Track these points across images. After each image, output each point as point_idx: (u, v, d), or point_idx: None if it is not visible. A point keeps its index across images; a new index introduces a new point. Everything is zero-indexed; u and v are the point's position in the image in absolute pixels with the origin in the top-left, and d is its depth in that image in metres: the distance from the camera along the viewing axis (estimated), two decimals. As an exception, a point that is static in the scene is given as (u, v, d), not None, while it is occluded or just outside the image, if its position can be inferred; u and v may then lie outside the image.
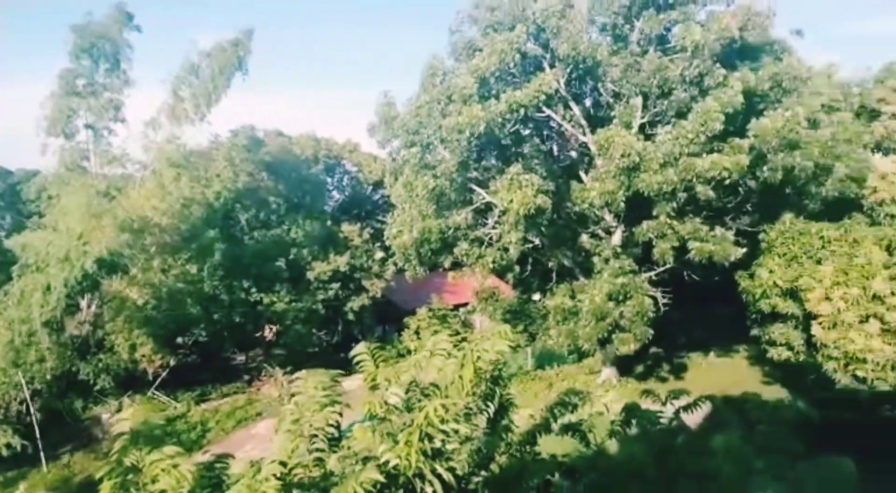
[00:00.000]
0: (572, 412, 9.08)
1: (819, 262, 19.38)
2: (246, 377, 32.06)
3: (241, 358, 34.99)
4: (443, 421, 5.26)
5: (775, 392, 24.08)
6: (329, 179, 44.84)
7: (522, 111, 20.90)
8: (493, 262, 23.82)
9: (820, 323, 18.38)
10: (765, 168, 19.44)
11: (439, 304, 33.87)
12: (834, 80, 21.44)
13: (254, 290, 31.02)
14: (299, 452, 5.15)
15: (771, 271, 20.33)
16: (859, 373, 17.60)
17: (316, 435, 5.45)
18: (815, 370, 20.01)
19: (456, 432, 5.35)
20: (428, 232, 23.41)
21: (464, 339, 6.71)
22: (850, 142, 20.24)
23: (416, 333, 29.94)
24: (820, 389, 21.72)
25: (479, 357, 6.07)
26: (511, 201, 20.17)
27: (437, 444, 5.45)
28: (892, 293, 17.20)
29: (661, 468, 7.81)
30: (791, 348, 20.69)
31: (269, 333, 34.38)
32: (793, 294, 19.65)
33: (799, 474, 7.01)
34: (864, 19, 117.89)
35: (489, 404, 6.83)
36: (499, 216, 22.04)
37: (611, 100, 23.09)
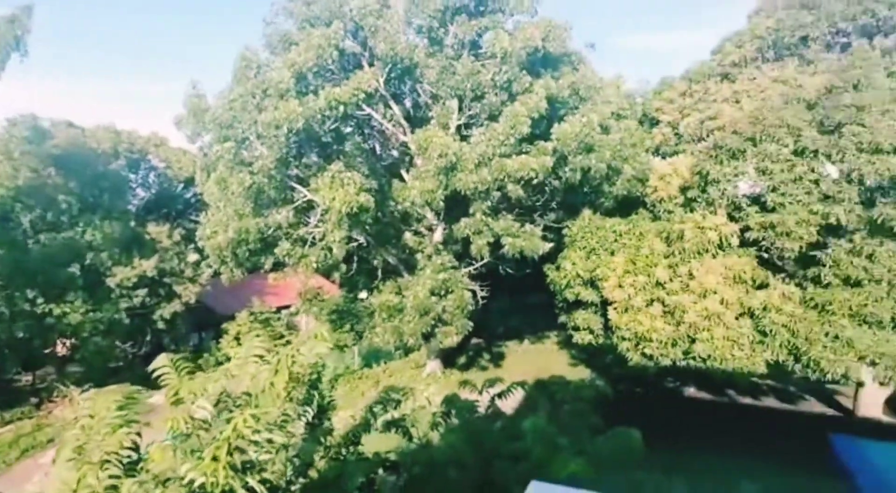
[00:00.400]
0: (396, 408, 9.21)
1: (613, 253, 21.59)
2: (34, 400, 28.23)
3: (27, 378, 30.73)
4: (255, 432, 5.01)
5: (580, 373, 26.57)
6: (132, 176, 40.77)
7: (342, 109, 20.67)
8: (317, 261, 23.32)
9: (615, 308, 20.50)
10: (566, 169, 21.23)
11: (261, 307, 32.51)
12: (621, 90, 24.11)
13: (41, 300, 27.31)
14: (86, 482, 4.60)
15: (574, 263, 22.23)
16: (647, 351, 19.91)
17: (108, 461, 4.91)
18: (612, 351, 22.35)
19: (269, 441, 5.13)
20: (245, 232, 22.29)
21: (288, 342, 6.49)
22: (635, 146, 22.84)
23: (237, 339, 28.46)
24: (616, 367, 24.37)
25: (294, 362, 5.88)
26: (333, 199, 19.89)
27: (250, 456, 5.19)
28: (671, 280, 19.69)
29: (478, 453, 8.22)
30: (592, 332, 22.85)
31: (61, 348, 30.53)
32: (592, 283, 21.68)
33: (596, 447, 7.76)
34: (646, 33, 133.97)
35: (308, 408, 6.66)
36: (321, 215, 21.63)
37: (429, 101, 23.73)
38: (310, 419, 6.55)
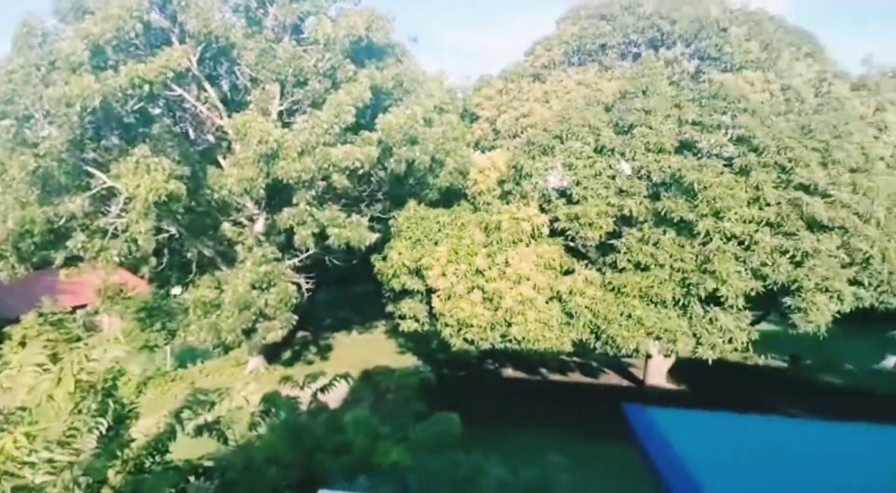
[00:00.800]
0: (209, 410, 8.65)
1: (437, 243, 22.19)
2: None
3: None
4: (30, 452, 4.37)
5: (408, 361, 27.11)
6: None
7: (148, 88, 18.91)
8: (121, 255, 21.16)
9: (438, 296, 21.13)
10: (391, 160, 21.37)
11: (53, 307, 28.76)
12: (444, 85, 24.84)
13: None
14: None
15: (400, 253, 22.52)
16: (468, 336, 20.80)
17: None
18: (436, 337, 23.07)
19: (50, 461, 4.52)
20: (30, 222, 19.54)
21: (84, 345, 5.75)
22: (457, 140, 23.62)
23: (22, 344, 24.92)
24: (441, 352, 25.22)
25: (81, 369, 5.24)
26: (138, 187, 18.15)
27: (26, 479, 4.53)
28: (489, 268, 20.72)
29: (299, 449, 8.00)
30: (417, 320, 23.35)
31: None
32: (418, 272, 22.13)
33: (418, 433, 7.92)
34: (466, 31, 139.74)
35: (102, 420, 5.97)
36: (124, 204, 19.64)
37: (248, 84, 22.55)
38: (104, 431, 5.88)
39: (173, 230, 22.45)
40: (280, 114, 22.45)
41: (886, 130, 22.79)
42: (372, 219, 23.62)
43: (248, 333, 22.13)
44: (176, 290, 26.48)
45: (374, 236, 22.37)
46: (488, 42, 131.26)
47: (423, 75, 23.80)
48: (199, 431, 7.76)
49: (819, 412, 20.25)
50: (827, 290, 18.88)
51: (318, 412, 9.69)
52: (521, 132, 23.34)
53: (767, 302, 21.67)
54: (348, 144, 20.39)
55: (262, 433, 8.57)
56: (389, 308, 25.06)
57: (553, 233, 21.24)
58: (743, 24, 21.84)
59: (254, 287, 21.11)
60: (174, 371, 26.81)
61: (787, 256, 18.75)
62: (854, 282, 19.61)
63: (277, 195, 22.08)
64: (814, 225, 18.77)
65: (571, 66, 24.52)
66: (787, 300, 19.58)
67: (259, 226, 23.68)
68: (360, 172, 20.93)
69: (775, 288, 19.35)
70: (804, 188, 18.72)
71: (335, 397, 10.50)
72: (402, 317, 23.81)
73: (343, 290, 31.32)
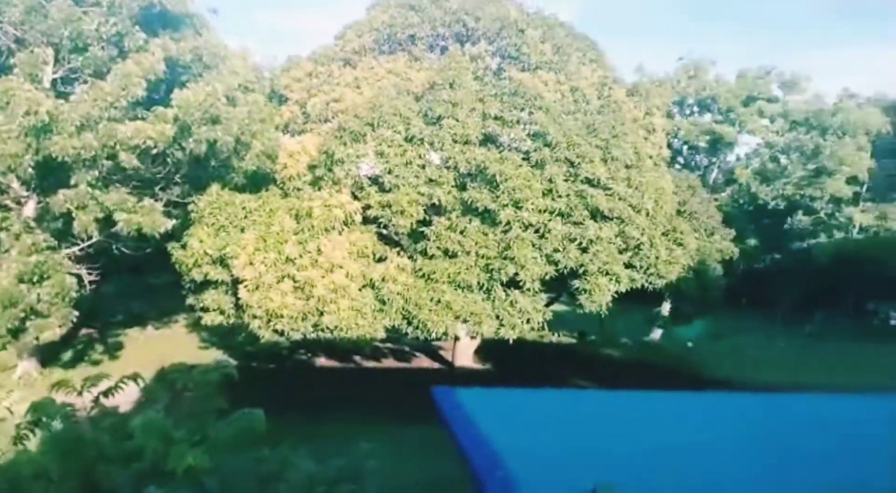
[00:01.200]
0: (-40, 426, 7.34)
1: (243, 230, 21.11)
2: None
3: None
4: None
5: (211, 356, 25.47)
6: None
7: None
8: None
9: (245, 286, 20.13)
10: (190, 140, 19.63)
11: None
12: (249, 63, 23.44)
13: None
14: None
15: (202, 241, 21.04)
16: (279, 327, 20.14)
17: None
18: (244, 329, 21.99)
19: None
20: None
21: None
22: (264, 121, 22.47)
23: None
24: (249, 345, 24.10)
25: None
26: None
27: None
28: (300, 256, 20.18)
29: (76, 461, 7.10)
30: (223, 312, 22.06)
31: None
32: (222, 261, 20.87)
33: (217, 432, 7.42)
34: (276, 12, 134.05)
35: None
36: None
37: (12, 45, 19.36)
38: None
39: (-89, 215, 18.66)
40: (54, 82, 19.64)
41: (654, 132, 26.15)
42: (168, 204, 21.68)
43: (17, 333, 19.21)
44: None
45: (171, 223, 20.56)
46: (297, 23, 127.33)
47: (226, 51, 22.24)
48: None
49: (603, 382, 22.80)
50: (607, 273, 21.26)
51: (101, 417, 8.67)
52: (332, 117, 22.94)
53: (559, 285, 23.82)
54: (139, 121, 18.44)
55: (30, 447, 7.45)
56: (190, 300, 23.34)
57: (366, 220, 21.27)
58: (538, 28, 23.55)
59: (22, 280, 18.34)
60: (-86, 384, 22.38)
61: (576, 243, 20.76)
62: (628, 265, 22.29)
63: (52, 175, 19.32)
64: (597, 215, 20.96)
65: (382, 54, 24.59)
66: (576, 283, 21.73)
67: (29, 210, 20.57)
68: (154, 151, 19.03)
69: (565, 272, 21.35)
70: (589, 182, 20.79)
71: (126, 401, 9.50)
72: (205, 309, 22.32)
73: (136, 281, 28.34)
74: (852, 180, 48.25)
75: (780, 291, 47.92)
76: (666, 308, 33.78)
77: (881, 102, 51.26)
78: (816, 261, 47.59)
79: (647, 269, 22.57)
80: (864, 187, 50.12)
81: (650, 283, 23.00)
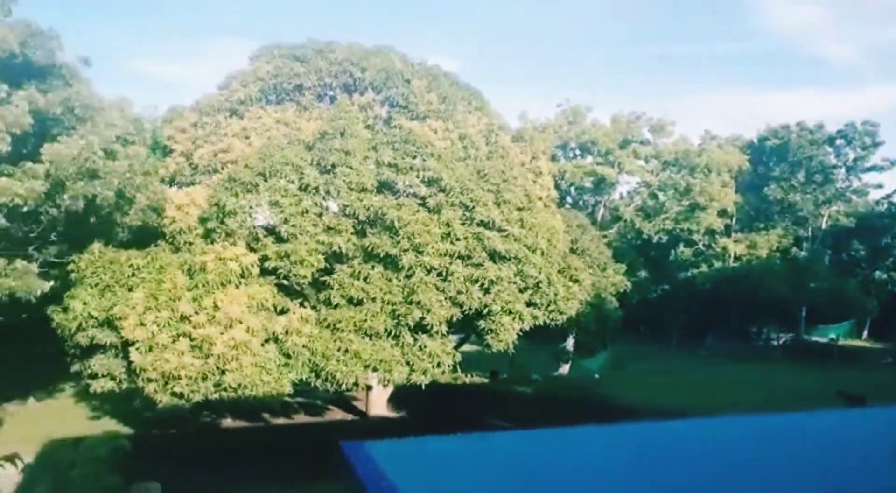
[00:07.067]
0: None
1: (131, 289, 19.86)
2: None
3: None
4: None
5: (104, 426, 23.45)
6: None
7: None
8: None
9: (137, 349, 18.84)
10: (65, 196, 18.37)
11: None
12: (127, 114, 22.29)
13: None
14: None
15: (85, 303, 19.63)
16: (177, 389, 18.85)
17: None
18: (138, 395, 20.45)
19: None
20: None
21: None
22: (148, 174, 21.31)
23: None
24: (147, 411, 22.40)
25: None
26: None
27: None
28: (196, 313, 19.20)
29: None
30: (113, 378, 20.45)
31: None
32: (109, 323, 19.51)
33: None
34: (148, 61, 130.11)
35: None
36: None
37: None
38: None
39: None
40: None
41: (541, 175, 27.43)
42: (45, 264, 20.15)
43: None
44: None
45: (49, 285, 19.07)
46: (176, 73, 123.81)
47: (101, 102, 21.08)
48: None
49: (518, 421, 23.06)
50: (510, 312, 21.80)
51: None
52: (222, 168, 22.26)
53: (466, 326, 24.14)
54: (5, 178, 17.07)
55: None
56: (76, 367, 21.44)
57: (264, 272, 20.65)
58: (423, 78, 24.25)
59: None
60: None
61: (478, 284, 21.20)
62: (530, 303, 22.96)
63: None
64: (495, 256, 21.55)
65: (269, 104, 24.33)
66: (482, 323, 22.13)
67: None
68: (24, 209, 17.69)
69: (470, 313, 21.68)
70: (484, 224, 21.42)
71: (7, 485, 8.56)
72: (93, 376, 20.60)
73: (12, 350, 25.73)
74: (722, 213, 52.99)
75: (672, 318, 51.29)
76: (570, 343, 34.92)
77: (738, 141, 57.33)
78: (700, 288, 51.45)
79: (548, 306, 23.32)
80: (734, 219, 55.16)
81: (552, 319, 23.75)
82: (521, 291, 22.40)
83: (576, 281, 25.62)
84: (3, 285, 17.91)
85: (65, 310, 19.90)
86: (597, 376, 37.96)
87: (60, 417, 25.44)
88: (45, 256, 20.63)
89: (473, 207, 21.41)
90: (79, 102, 19.82)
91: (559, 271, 24.76)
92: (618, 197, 55.47)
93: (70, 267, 20.49)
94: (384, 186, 21.71)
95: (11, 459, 7.82)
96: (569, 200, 51.14)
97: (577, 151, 51.47)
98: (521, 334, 22.81)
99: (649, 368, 40.84)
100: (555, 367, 38.54)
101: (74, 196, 18.41)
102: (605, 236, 40.35)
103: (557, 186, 34.89)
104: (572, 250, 28.65)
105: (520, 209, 22.62)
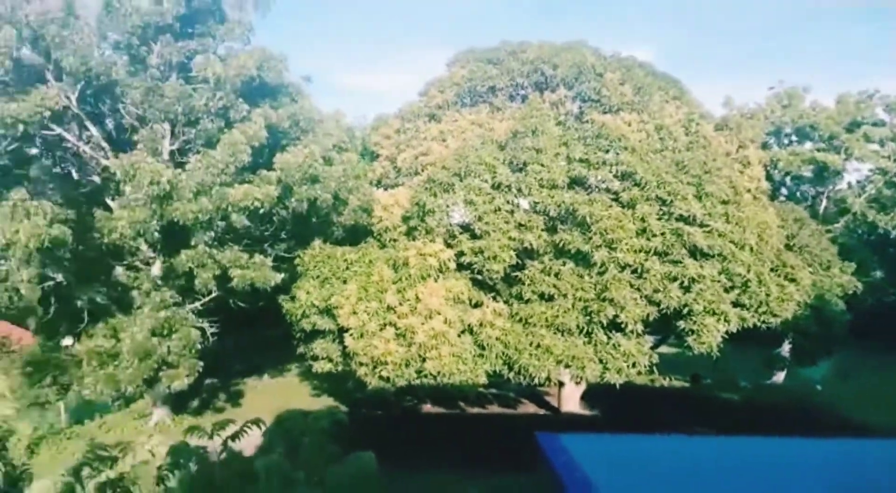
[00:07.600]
0: (112, 466, 8.14)
1: (345, 281, 22.04)
2: None
3: None
4: None
5: (323, 403, 26.41)
6: None
7: (23, 127, 18.00)
8: (1, 305, 19.67)
9: (350, 335, 20.88)
10: (292, 199, 21.13)
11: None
12: (341, 124, 24.95)
13: None
14: None
15: (308, 293, 22.17)
16: (384, 374, 20.59)
17: None
18: (351, 377, 22.69)
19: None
20: None
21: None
22: (358, 178, 23.72)
23: None
24: (358, 392, 24.77)
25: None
26: (17, 232, 16.92)
27: None
28: (400, 304, 20.77)
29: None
30: (331, 361, 22.94)
31: None
32: (328, 312, 21.82)
33: (331, 476, 7.81)
34: (357, 74, 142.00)
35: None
36: (2, 251, 18.21)
37: (135, 123, 21.66)
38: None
39: (60, 277, 20.92)
40: (172, 154, 21.74)
41: (749, 165, 25.19)
42: (277, 259, 23.13)
43: (151, 382, 20.88)
44: (67, 340, 24.53)
45: (280, 276, 21.90)
46: (382, 84, 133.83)
47: (320, 115, 23.82)
48: (101, 489, 7.28)
49: (721, 430, 21.50)
50: (714, 312, 20.40)
51: (229, 461, 9.30)
52: (422, 170, 23.84)
53: (664, 326, 23.01)
54: (246, 184, 20.02)
55: (171, 487, 8.13)
56: (301, 350, 24.44)
57: (460, 267, 21.65)
58: (616, 70, 23.57)
59: (154, 334, 20.05)
60: (70, 429, 24.59)
61: (677, 282, 20.14)
62: (737, 304, 21.29)
63: (174, 237, 21.21)
64: (696, 253, 20.31)
65: (464, 107, 25.45)
66: (682, 324, 20.95)
67: (156, 270, 22.56)
68: (261, 211, 20.57)
69: (669, 313, 20.65)
70: (684, 219, 20.28)
71: (249, 445, 10.16)
72: (315, 358, 23.31)
73: (252, 333, 30.12)
74: None
75: (915, 326, 43.69)
76: (786, 348, 31.62)
77: None
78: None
79: (759, 307, 21.48)
80: None
81: (763, 322, 21.83)
82: (726, 290, 20.86)
83: (792, 280, 23.21)
84: (246, 276, 21.04)
85: (292, 299, 22.70)
86: (818, 386, 33.87)
87: (288, 392, 29.02)
88: (277, 251, 23.75)
89: (671, 202, 20.38)
90: (303, 116, 22.68)
91: (772, 270, 22.64)
92: (845, 186, 48.64)
93: (296, 261, 23.33)
94: (575, 182, 21.55)
95: (257, 422, 9.24)
96: (783, 191, 45.95)
97: (794, 138, 45.92)
98: (726, 336, 21.24)
99: (883, 381, 35.41)
100: (767, 374, 35.04)
101: (300, 199, 21.09)
102: (828, 231, 35.77)
103: (769, 177, 31.78)
104: (788, 247, 25.95)
105: (724, 202, 21.08)
